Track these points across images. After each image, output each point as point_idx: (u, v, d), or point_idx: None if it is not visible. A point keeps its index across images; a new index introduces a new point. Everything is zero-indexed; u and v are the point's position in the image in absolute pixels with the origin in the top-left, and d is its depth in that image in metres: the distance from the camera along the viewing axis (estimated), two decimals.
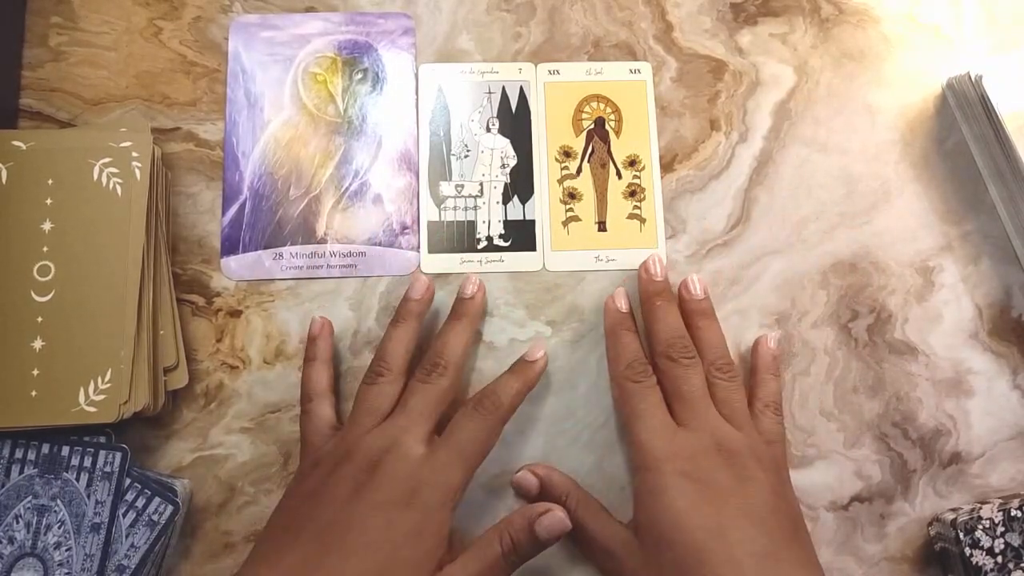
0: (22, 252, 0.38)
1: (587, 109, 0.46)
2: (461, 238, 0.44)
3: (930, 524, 0.41)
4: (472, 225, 0.44)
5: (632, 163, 0.46)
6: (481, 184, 0.45)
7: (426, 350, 0.40)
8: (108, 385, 0.37)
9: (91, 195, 0.39)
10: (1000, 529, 0.39)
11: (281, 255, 0.43)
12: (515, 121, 0.46)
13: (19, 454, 0.38)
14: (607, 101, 0.46)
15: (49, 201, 0.39)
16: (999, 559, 0.38)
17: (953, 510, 0.41)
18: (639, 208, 0.45)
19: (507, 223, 0.45)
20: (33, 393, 0.37)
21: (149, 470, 0.39)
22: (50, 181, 0.39)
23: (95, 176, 0.40)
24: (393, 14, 0.47)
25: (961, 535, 0.39)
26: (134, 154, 0.40)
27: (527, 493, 0.40)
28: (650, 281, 0.42)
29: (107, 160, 0.40)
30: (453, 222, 0.44)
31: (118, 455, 0.38)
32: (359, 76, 0.46)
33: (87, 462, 0.38)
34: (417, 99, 0.46)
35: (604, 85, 0.47)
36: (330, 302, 0.43)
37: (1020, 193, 0.44)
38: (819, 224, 0.45)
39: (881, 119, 0.47)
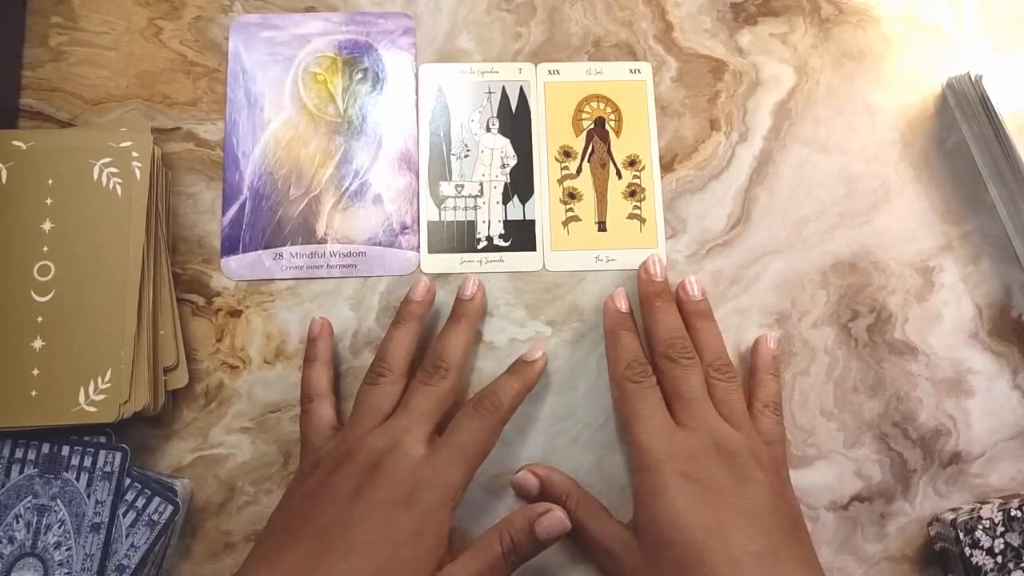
0: (22, 252, 0.38)
1: (587, 109, 0.46)
2: (461, 238, 0.44)
3: (930, 524, 0.41)
4: (472, 225, 0.44)
5: (632, 163, 0.46)
6: (481, 184, 0.45)
7: (427, 351, 0.40)
8: (108, 385, 0.37)
9: (91, 195, 0.39)
10: (1000, 529, 0.39)
11: (281, 255, 0.43)
12: (515, 121, 0.46)
13: (19, 454, 0.38)
14: (607, 101, 0.46)
15: (49, 201, 0.39)
16: (999, 559, 0.38)
17: (953, 510, 0.41)
18: (639, 208, 0.45)
19: (507, 223, 0.45)
20: (33, 393, 0.37)
21: (149, 470, 0.39)
22: (50, 181, 0.39)
23: (95, 176, 0.40)
24: (393, 14, 0.47)
25: (961, 535, 0.39)
26: (134, 154, 0.40)
27: (527, 493, 0.40)
28: (650, 281, 0.42)
29: (107, 160, 0.40)
30: (453, 222, 0.44)
31: (118, 455, 0.38)
32: (359, 76, 0.46)
33: (87, 462, 0.38)
34: (417, 99, 0.46)
35: (604, 85, 0.47)
36: (330, 302, 0.43)
37: (1020, 193, 0.44)
38: (819, 224, 0.45)
39: (881, 119, 0.47)
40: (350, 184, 0.45)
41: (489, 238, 0.44)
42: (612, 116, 0.46)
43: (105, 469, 0.38)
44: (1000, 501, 0.40)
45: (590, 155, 0.46)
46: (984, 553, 0.38)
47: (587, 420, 0.42)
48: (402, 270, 0.44)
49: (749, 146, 0.46)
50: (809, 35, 0.48)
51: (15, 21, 0.45)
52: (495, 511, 0.40)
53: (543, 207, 0.45)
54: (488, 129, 0.46)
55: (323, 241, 0.44)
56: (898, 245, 0.45)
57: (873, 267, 0.45)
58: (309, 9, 0.47)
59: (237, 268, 0.43)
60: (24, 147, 0.40)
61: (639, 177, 0.45)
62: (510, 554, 0.34)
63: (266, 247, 0.43)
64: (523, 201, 0.45)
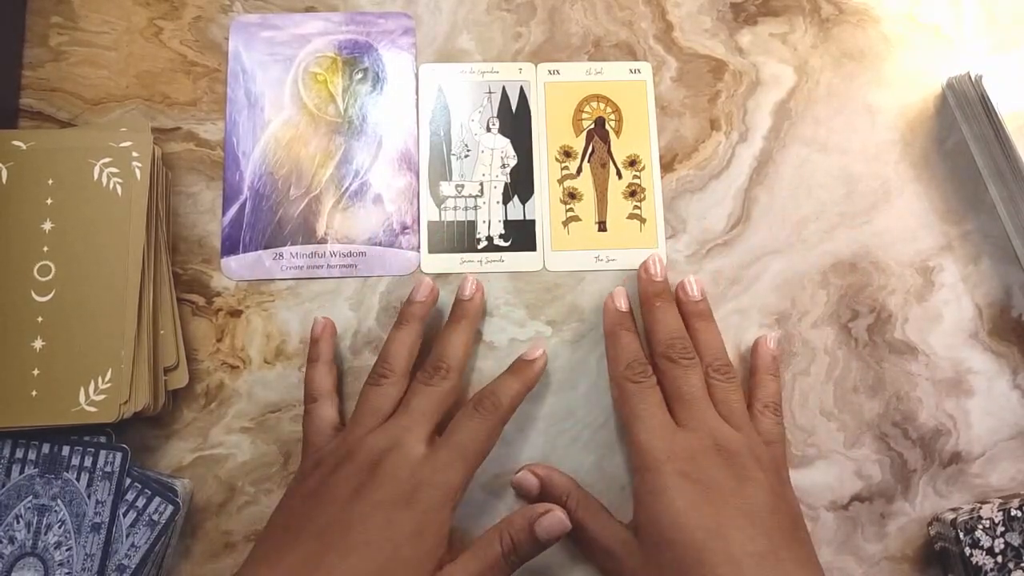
0: (22, 252, 0.38)
1: (587, 109, 0.46)
2: (461, 238, 0.44)
3: (930, 524, 0.41)
4: (472, 225, 0.44)
5: (632, 163, 0.46)
6: (481, 184, 0.45)
7: (428, 350, 0.40)
8: (108, 385, 0.37)
9: (91, 195, 0.39)
10: (1000, 529, 0.39)
11: (281, 255, 0.43)
12: (515, 121, 0.46)
13: (19, 454, 0.38)
14: (607, 101, 0.46)
15: (49, 201, 0.39)
16: (999, 559, 0.38)
17: (953, 510, 0.41)
18: (639, 208, 0.45)
19: (507, 223, 0.45)
20: (33, 393, 0.37)
21: (149, 470, 0.39)
22: (50, 181, 0.39)
23: (95, 176, 0.40)
24: (393, 14, 0.47)
25: (961, 535, 0.39)
26: (134, 154, 0.40)
27: (527, 493, 0.40)
28: (650, 281, 0.42)
29: (107, 160, 0.40)
30: (453, 222, 0.44)
31: (118, 455, 0.38)
32: (359, 76, 0.46)
33: (87, 462, 0.38)
34: (417, 99, 0.46)
35: (604, 85, 0.47)
36: (330, 302, 0.43)
37: (1020, 193, 0.44)
38: (819, 224, 0.45)
39: (881, 119, 0.47)
40: (350, 184, 0.45)
41: (489, 238, 0.44)
42: (612, 116, 0.46)
43: (105, 469, 0.38)
44: (1000, 501, 0.40)
45: (590, 155, 0.46)
46: (984, 553, 0.38)
47: (587, 420, 0.42)
48: (402, 270, 0.44)
49: (749, 146, 0.46)
50: (809, 35, 0.48)
51: (15, 21, 0.45)
52: (495, 511, 0.40)
53: (543, 207, 0.45)
54: (488, 129, 0.46)
55: (323, 241, 0.44)
56: (898, 245, 0.45)
57: (873, 267, 0.45)
58: (309, 9, 0.47)
59: (237, 268, 0.43)
60: (24, 147, 0.40)
61: (639, 177, 0.45)
62: (510, 554, 0.34)
63: (266, 247, 0.43)
64: (523, 201, 0.45)
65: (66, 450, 0.38)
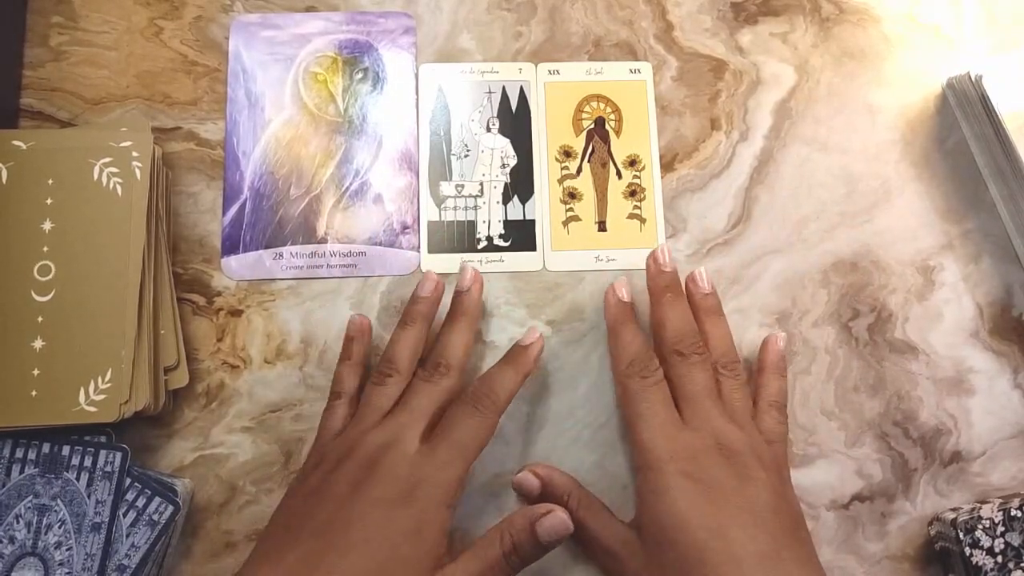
0: (22, 252, 0.38)
1: (587, 109, 0.46)
2: (461, 238, 0.44)
3: (930, 523, 0.41)
4: (472, 225, 0.44)
5: (632, 163, 0.46)
6: (481, 184, 0.45)
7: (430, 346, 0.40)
8: (108, 385, 0.37)
9: (91, 195, 0.39)
10: (1000, 529, 0.39)
11: (282, 255, 0.43)
12: (515, 121, 0.46)
13: (19, 454, 0.38)
14: (607, 101, 0.46)
15: (49, 201, 0.39)
16: (999, 559, 0.38)
17: (953, 510, 0.41)
18: (639, 208, 0.45)
19: (507, 223, 0.45)
20: (33, 393, 0.37)
21: (150, 470, 0.39)
22: (50, 181, 0.39)
23: (95, 176, 0.40)
24: (394, 13, 0.47)
25: (961, 535, 0.39)
26: (134, 154, 0.40)
27: (528, 493, 0.40)
28: (660, 272, 0.41)
29: (107, 160, 0.40)
30: (453, 222, 0.44)
31: (118, 455, 0.38)
32: (360, 75, 0.46)
33: (87, 462, 0.38)
34: (417, 99, 0.46)
35: (604, 85, 0.47)
36: (331, 302, 0.43)
37: (1020, 192, 0.44)
38: (820, 223, 0.45)
39: (881, 118, 0.47)
40: (350, 184, 0.45)
41: (489, 238, 0.44)
42: (612, 116, 0.46)
43: (105, 469, 0.38)
44: (1000, 501, 0.40)
45: (590, 155, 0.46)
46: (984, 553, 0.38)
47: (588, 420, 0.42)
48: (402, 270, 0.44)
49: (750, 145, 0.46)
50: (809, 34, 0.48)
51: (15, 21, 0.45)
52: (495, 511, 0.40)
53: (543, 207, 0.45)
54: (488, 129, 0.46)
55: (323, 241, 0.44)
56: (899, 244, 0.45)
57: (874, 266, 0.45)
58: (309, 9, 0.47)
59: (238, 268, 0.43)
60: (24, 147, 0.40)
61: (639, 177, 0.45)
62: (511, 554, 0.34)
63: (267, 247, 0.43)
64: (523, 201, 0.45)
65: (66, 450, 0.38)
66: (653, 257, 0.41)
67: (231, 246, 0.43)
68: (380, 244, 0.44)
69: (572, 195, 0.45)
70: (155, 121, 0.44)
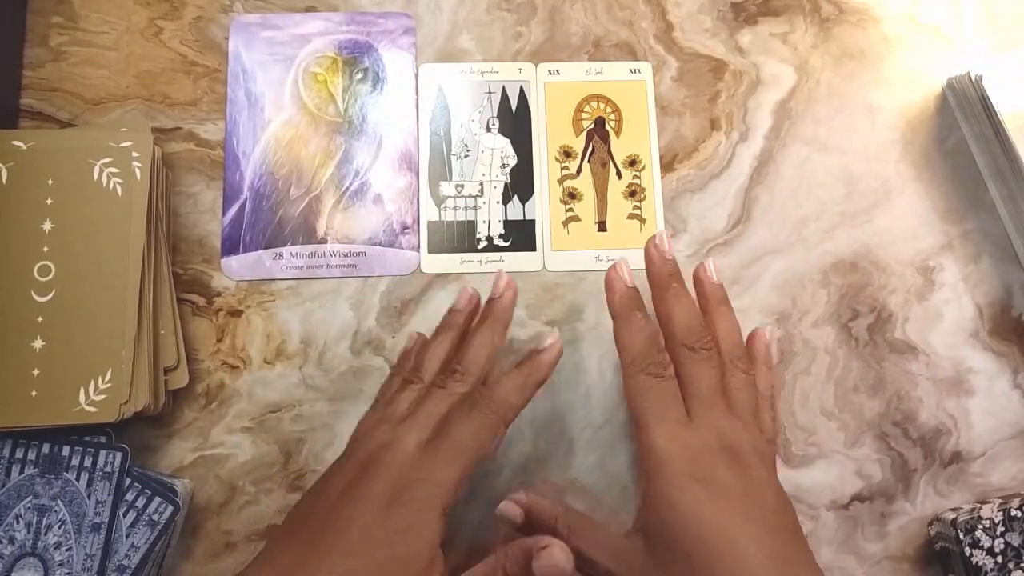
0: (22, 252, 0.38)
1: (587, 109, 0.46)
2: (461, 238, 0.44)
3: (930, 524, 0.41)
4: (472, 225, 0.44)
5: (632, 163, 0.46)
6: (481, 184, 0.45)
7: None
8: (108, 385, 0.37)
9: (91, 195, 0.39)
10: (1000, 529, 0.39)
11: (281, 255, 0.43)
12: (515, 121, 0.46)
13: (19, 454, 0.38)
14: (607, 101, 0.46)
15: (49, 201, 0.39)
16: (999, 559, 0.38)
17: (953, 510, 0.41)
18: (639, 208, 0.45)
19: (507, 223, 0.45)
20: (33, 393, 0.37)
21: (150, 470, 0.39)
22: (50, 181, 0.39)
23: (95, 176, 0.40)
24: (394, 14, 0.47)
25: (961, 535, 0.39)
26: (134, 154, 0.40)
27: (512, 523, 0.37)
28: (663, 259, 0.38)
29: (107, 160, 0.40)
30: (453, 222, 0.44)
31: (118, 455, 0.38)
32: (359, 76, 0.46)
33: (87, 462, 0.38)
34: (417, 99, 0.46)
35: (604, 85, 0.47)
36: (330, 302, 0.43)
37: (1020, 192, 0.44)
38: (820, 223, 0.45)
39: (881, 119, 0.47)
40: (350, 184, 0.45)
41: (489, 238, 0.44)
42: (612, 116, 0.46)
43: (105, 469, 0.38)
44: (1000, 501, 0.40)
45: (590, 155, 0.46)
46: (984, 553, 0.38)
47: (587, 420, 0.42)
48: (402, 270, 0.44)
49: (749, 145, 0.46)
50: (809, 35, 0.48)
51: (15, 21, 0.45)
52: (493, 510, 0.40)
53: (543, 207, 0.45)
54: (488, 129, 0.46)
55: (323, 241, 0.44)
56: (898, 244, 0.45)
57: (873, 266, 0.45)
58: (309, 9, 0.47)
59: (238, 268, 0.43)
60: (24, 147, 0.40)
61: (639, 177, 0.45)
62: None
63: (266, 247, 0.43)
64: (523, 201, 0.45)
65: (66, 450, 0.38)
66: (654, 243, 0.38)
67: (231, 246, 0.43)
68: (380, 244, 0.44)
69: (572, 195, 0.45)
70: (155, 121, 0.44)
